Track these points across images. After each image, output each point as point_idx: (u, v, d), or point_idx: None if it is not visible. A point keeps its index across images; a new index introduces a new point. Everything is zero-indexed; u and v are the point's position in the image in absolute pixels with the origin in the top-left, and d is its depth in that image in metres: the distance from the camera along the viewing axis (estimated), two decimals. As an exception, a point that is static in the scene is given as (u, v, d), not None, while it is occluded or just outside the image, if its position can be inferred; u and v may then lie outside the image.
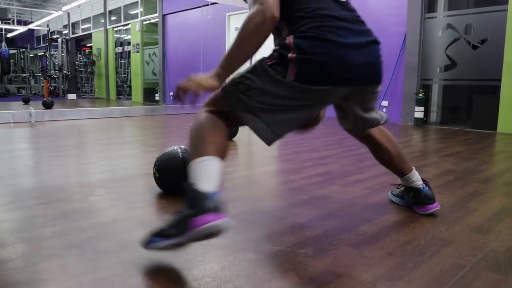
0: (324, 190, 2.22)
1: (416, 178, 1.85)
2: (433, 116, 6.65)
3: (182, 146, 2.11)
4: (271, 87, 1.34)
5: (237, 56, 1.32)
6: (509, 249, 1.45)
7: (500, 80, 5.31)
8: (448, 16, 6.08)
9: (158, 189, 2.12)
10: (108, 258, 1.33)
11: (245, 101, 1.36)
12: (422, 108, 6.02)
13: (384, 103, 6.52)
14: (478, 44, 5.73)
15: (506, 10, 5.22)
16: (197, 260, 1.31)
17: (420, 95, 6.00)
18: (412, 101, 6.12)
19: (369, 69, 1.46)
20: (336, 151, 3.56)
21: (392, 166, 1.85)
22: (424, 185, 1.84)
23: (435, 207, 1.81)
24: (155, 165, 2.08)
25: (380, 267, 1.29)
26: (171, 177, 2.01)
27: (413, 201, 1.86)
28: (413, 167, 1.86)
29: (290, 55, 1.33)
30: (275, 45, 1.42)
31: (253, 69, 1.37)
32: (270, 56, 1.38)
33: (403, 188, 1.93)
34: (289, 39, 1.35)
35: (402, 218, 1.77)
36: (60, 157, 3.17)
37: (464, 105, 6.98)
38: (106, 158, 3.16)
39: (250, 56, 1.34)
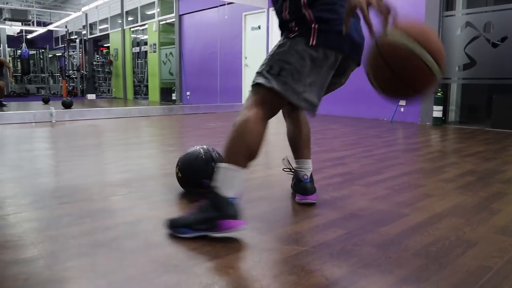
0: (345, 190, 2.22)
1: (307, 167, 1.99)
2: (452, 116, 6.56)
3: (205, 146, 2.13)
4: (300, 58, 1.51)
5: None
6: (536, 251, 1.44)
7: (521, 78, 5.22)
8: (467, 14, 5.99)
9: (180, 189, 2.15)
10: (136, 257, 1.35)
11: (286, 82, 1.51)
12: (440, 108, 5.95)
13: (402, 102, 6.46)
14: (498, 42, 5.64)
15: (528, 7, 5.13)
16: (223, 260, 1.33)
17: (439, 94, 5.93)
18: (430, 100, 6.05)
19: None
20: (355, 151, 3.54)
21: (296, 147, 2.02)
22: (307, 178, 1.97)
23: (309, 199, 1.93)
24: (177, 165, 2.10)
25: (405, 268, 1.28)
26: (194, 177, 2.03)
27: (294, 188, 2.02)
28: (310, 159, 2.03)
29: (312, 25, 1.52)
30: (290, 18, 1.57)
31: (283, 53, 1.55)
32: (291, 31, 1.57)
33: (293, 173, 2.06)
34: (309, 14, 1.52)
35: (425, 219, 1.76)
36: (81, 156, 3.22)
37: (483, 104, 6.88)
38: (127, 158, 3.20)
39: None
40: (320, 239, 1.51)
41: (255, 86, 1.56)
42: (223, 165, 1.48)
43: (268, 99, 1.52)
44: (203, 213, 1.48)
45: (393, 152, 3.53)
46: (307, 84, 1.53)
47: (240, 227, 1.45)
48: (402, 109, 6.49)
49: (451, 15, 6.08)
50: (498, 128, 5.50)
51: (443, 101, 6.00)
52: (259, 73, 1.56)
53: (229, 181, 1.47)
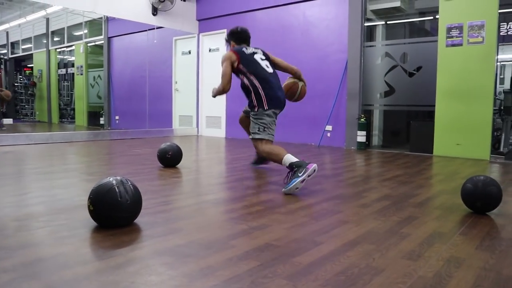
0: (264, 219, 2.22)
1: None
2: (375, 140, 6.92)
3: (118, 177, 2.05)
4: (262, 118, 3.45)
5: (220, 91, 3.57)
6: (436, 274, 1.51)
7: (434, 105, 5.63)
8: (386, 45, 6.41)
9: (93, 223, 2.04)
10: (30, 303, 1.24)
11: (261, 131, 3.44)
12: (364, 133, 6.24)
13: (328, 127, 6.70)
14: (414, 71, 6.06)
15: (437, 41, 5.59)
16: (126, 301, 1.26)
17: (362, 120, 6.23)
18: (355, 126, 6.34)
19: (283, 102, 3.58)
20: (280, 177, 3.58)
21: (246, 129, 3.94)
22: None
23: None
24: (89, 197, 2.00)
25: (313, 299, 1.29)
26: (106, 210, 1.94)
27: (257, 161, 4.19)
28: None
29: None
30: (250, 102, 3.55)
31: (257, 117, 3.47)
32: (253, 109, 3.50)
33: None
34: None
35: (338, 247, 1.80)
36: (-10, 187, 2.97)
37: (403, 129, 7.33)
38: (42, 188, 3.00)
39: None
40: (231, 272, 1.48)
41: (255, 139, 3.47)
42: (283, 161, 3.09)
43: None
44: (297, 169, 2.93)
45: (317, 178, 3.62)
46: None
47: (314, 165, 2.93)
48: (328, 134, 6.72)
49: (372, 46, 6.46)
50: (416, 151, 5.86)
51: (367, 127, 6.31)
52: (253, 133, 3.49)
53: (291, 158, 3.04)
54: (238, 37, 3.79)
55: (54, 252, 1.68)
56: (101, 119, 10.86)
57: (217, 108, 8.52)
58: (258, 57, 3.58)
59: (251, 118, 3.48)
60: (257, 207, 2.47)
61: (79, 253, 1.69)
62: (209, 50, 8.73)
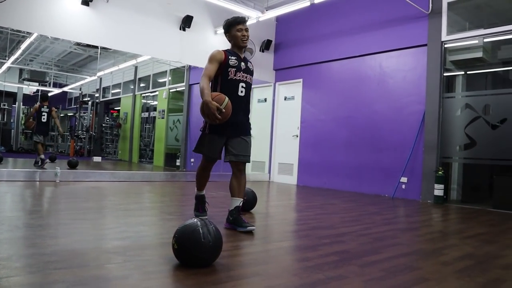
0: (340, 270, 2.20)
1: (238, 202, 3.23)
2: (454, 194, 6.58)
3: (202, 219, 2.16)
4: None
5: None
6: None
7: (521, 161, 5.29)
8: (466, 96, 6.21)
9: (175, 260, 2.15)
10: (124, 332, 1.34)
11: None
12: (442, 186, 5.98)
13: (403, 179, 6.51)
14: (498, 124, 5.79)
15: (525, 93, 5.33)
16: None
17: (440, 173, 5.99)
18: (432, 179, 6.10)
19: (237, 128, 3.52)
20: (354, 228, 3.53)
21: (232, 189, 3.28)
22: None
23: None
24: (174, 236, 2.12)
25: None
26: (190, 249, 2.04)
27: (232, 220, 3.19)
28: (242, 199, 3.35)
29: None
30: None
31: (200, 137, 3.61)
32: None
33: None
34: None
35: (420, 305, 1.74)
36: (81, 220, 3.24)
37: (485, 184, 6.91)
38: (125, 224, 3.21)
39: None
40: (311, 322, 1.49)
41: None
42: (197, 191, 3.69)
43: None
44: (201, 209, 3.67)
45: (392, 231, 3.52)
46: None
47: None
48: (403, 186, 6.52)
49: (451, 97, 6.30)
50: (500, 209, 5.48)
51: (445, 180, 6.05)
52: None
53: (201, 197, 3.72)
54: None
55: (143, 285, 1.79)
56: (178, 160, 11.38)
57: (290, 155, 8.62)
58: None
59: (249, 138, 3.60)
60: (333, 257, 2.46)
61: None
62: (285, 99, 8.97)
